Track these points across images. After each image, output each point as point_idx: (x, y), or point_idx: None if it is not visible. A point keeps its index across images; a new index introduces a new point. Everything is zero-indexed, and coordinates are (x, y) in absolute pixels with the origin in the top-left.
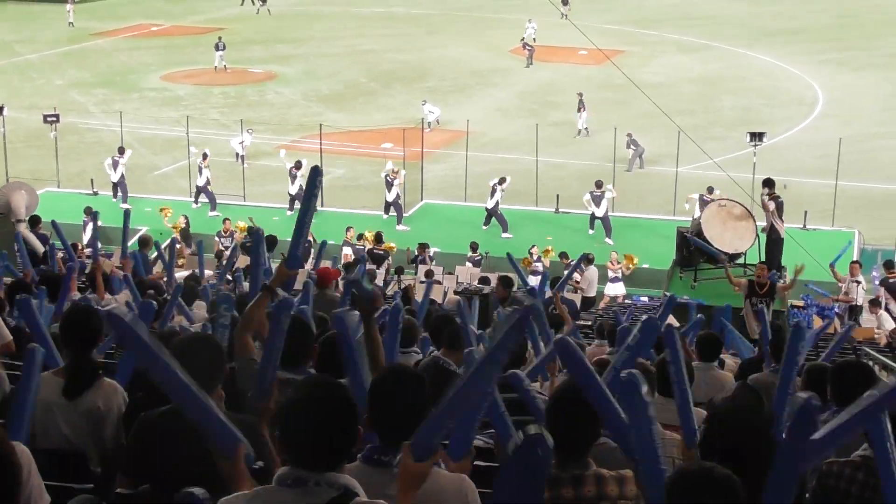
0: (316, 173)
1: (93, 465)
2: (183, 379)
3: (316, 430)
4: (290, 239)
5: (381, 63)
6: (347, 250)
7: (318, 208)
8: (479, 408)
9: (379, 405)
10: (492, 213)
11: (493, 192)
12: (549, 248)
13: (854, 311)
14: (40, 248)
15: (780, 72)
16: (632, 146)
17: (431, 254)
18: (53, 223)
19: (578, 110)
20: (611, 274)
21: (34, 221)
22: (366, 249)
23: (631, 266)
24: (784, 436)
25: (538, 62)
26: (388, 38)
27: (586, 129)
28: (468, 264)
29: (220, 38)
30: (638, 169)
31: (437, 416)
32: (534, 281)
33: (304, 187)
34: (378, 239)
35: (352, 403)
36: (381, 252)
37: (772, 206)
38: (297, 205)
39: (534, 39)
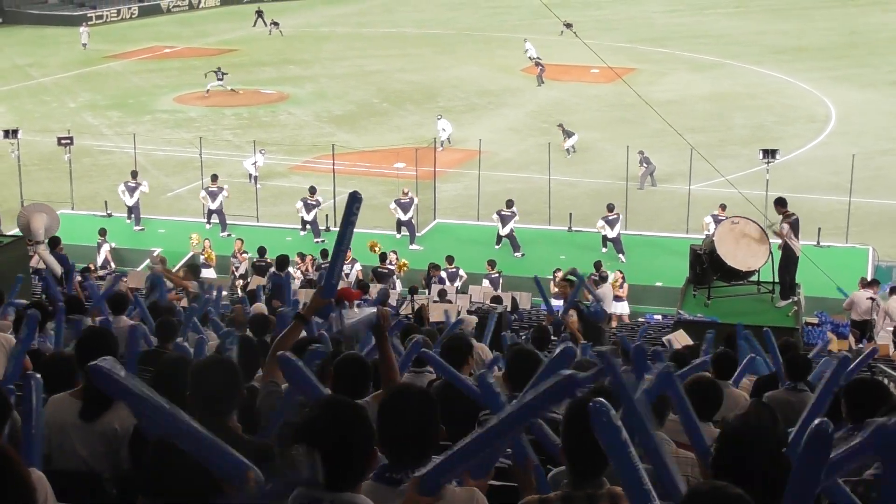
0: (354, 199)
1: (109, 486)
2: (177, 415)
3: (329, 450)
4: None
5: (392, 83)
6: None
7: (332, 228)
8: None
9: (386, 424)
10: (505, 237)
11: (505, 219)
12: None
13: (867, 328)
14: (58, 269)
15: (791, 89)
16: (644, 164)
17: (443, 274)
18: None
19: (567, 136)
20: (614, 293)
21: (54, 243)
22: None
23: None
24: (798, 460)
25: (549, 80)
26: (399, 58)
27: (572, 147)
28: (485, 282)
29: (218, 68)
30: (650, 187)
31: (454, 457)
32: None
33: (316, 215)
34: (383, 258)
35: (367, 423)
36: (386, 270)
37: (786, 228)
38: (310, 227)
39: (538, 56)
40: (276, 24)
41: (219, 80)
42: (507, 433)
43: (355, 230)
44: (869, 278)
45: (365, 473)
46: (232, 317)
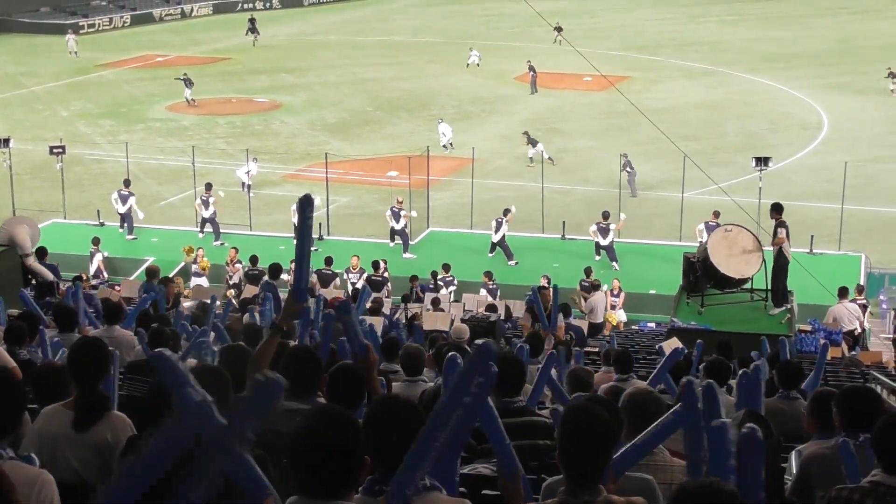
0: (305, 204)
1: None
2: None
3: (322, 459)
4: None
5: (385, 91)
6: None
7: (325, 237)
8: (455, 449)
9: (373, 436)
10: (497, 245)
11: (499, 226)
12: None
13: (855, 337)
14: (49, 276)
15: (784, 96)
16: (626, 168)
17: (440, 280)
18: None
19: (532, 145)
20: (611, 301)
21: (41, 253)
22: (365, 276)
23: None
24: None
25: (542, 89)
26: (392, 66)
27: (540, 155)
28: (483, 291)
29: (184, 73)
30: (630, 196)
31: (408, 468)
32: None
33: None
34: (376, 266)
35: (358, 433)
36: (380, 279)
37: (782, 232)
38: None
39: (478, 65)
40: (257, 33)
41: (186, 86)
42: (442, 429)
43: (357, 240)
44: (862, 284)
45: (357, 483)
46: (228, 325)
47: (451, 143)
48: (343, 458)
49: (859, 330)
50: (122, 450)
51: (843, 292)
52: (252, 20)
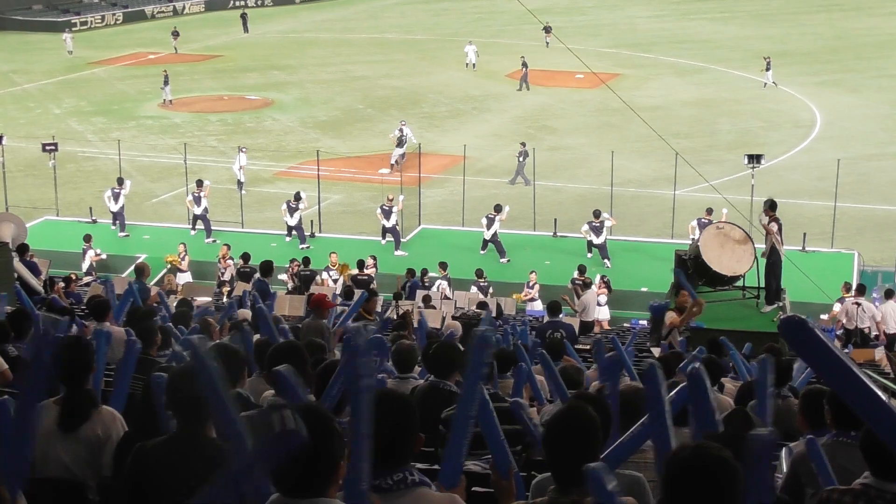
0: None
1: (91, 493)
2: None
3: (303, 456)
4: (286, 265)
5: (377, 89)
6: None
7: (317, 234)
8: (467, 434)
9: None
10: (490, 241)
11: (492, 222)
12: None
13: (851, 334)
14: (33, 280)
15: (777, 94)
16: (519, 158)
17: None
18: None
19: (398, 145)
20: (601, 299)
21: (22, 250)
22: (349, 276)
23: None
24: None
25: (534, 86)
26: (383, 64)
27: (396, 161)
28: (473, 289)
29: (164, 70)
30: (512, 184)
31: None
32: (533, 307)
33: (301, 220)
34: (360, 265)
35: (332, 430)
36: (365, 277)
37: (774, 227)
38: (295, 233)
39: (474, 65)
40: (176, 34)
41: (166, 85)
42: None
43: (349, 237)
44: (854, 283)
45: (337, 479)
46: (199, 323)
47: (397, 161)
48: (318, 456)
49: (874, 331)
50: (118, 445)
51: (860, 290)
52: (244, 16)
